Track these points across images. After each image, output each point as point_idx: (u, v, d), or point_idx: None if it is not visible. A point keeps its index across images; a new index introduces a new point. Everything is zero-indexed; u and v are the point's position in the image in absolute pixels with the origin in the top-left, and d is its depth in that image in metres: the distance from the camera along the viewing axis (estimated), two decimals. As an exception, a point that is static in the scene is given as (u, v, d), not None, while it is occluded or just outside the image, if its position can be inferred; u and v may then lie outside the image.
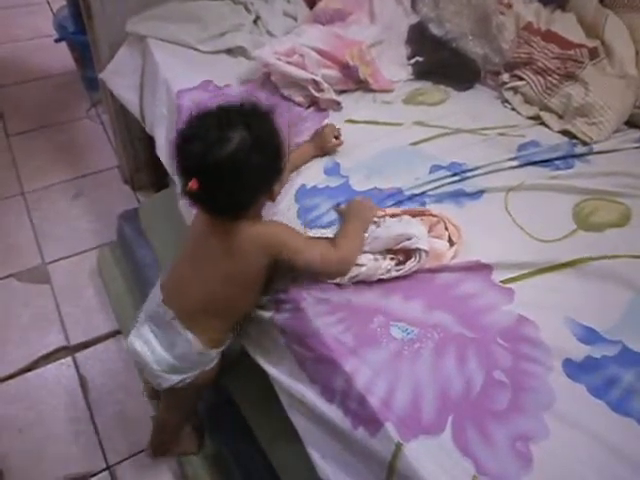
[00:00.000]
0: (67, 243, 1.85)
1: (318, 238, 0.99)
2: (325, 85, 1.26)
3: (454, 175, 1.13)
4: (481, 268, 0.97)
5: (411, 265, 0.94)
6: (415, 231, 0.95)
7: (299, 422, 0.92)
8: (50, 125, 2.32)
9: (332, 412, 0.83)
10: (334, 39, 1.34)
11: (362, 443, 0.78)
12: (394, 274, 0.94)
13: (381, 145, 1.20)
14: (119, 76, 1.50)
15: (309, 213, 1.04)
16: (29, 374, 1.53)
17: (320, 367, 0.87)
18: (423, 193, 1.09)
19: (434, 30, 1.50)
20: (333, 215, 1.04)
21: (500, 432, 0.75)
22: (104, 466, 1.39)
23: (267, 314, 0.98)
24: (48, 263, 1.78)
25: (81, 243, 1.85)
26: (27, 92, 2.48)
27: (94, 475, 1.38)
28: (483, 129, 1.28)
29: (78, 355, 1.57)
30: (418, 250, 0.94)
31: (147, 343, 1.01)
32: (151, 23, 1.44)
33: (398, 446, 0.74)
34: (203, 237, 0.95)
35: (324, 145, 1.15)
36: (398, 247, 0.95)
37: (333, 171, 1.14)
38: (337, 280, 0.93)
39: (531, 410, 0.77)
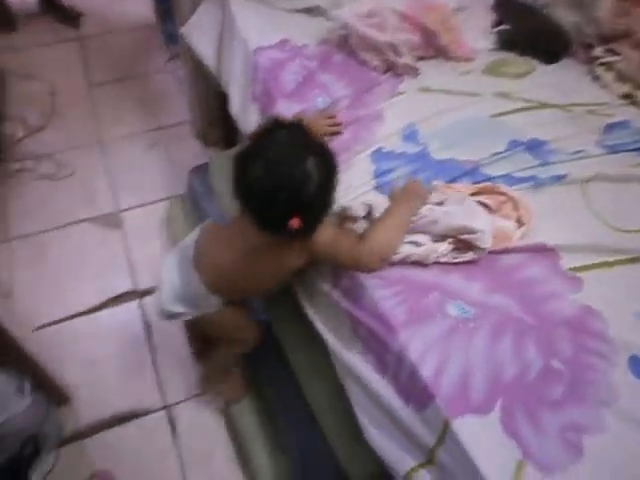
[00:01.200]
0: (140, 192, 1.93)
1: (347, 232, 0.98)
2: (404, 50, 1.23)
3: (532, 153, 1.08)
4: (549, 253, 0.93)
5: (469, 257, 0.92)
6: (479, 225, 0.91)
7: (351, 388, 0.94)
8: (129, 77, 2.39)
9: (383, 387, 0.85)
10: (417, 2, 1.28)
11: (411, 418, 0.79)
12: (451, 260, 0.93)
13: (459, 115, 1.16)
14: (199, 31, 1.52)
15: (385, 175, 1.05)
16: (99, 313, 1.64)
17: (373, 338, 0.88)
18: (499, 172, 1.05)
19: (524, -4, 1.41)
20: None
21: (551, 420, 0.74)
22: (162, 405, 1.48)
23: (327, 285, 0.99)
24: (121, 211, 1.87)
25: (153, 193, 1.92)
26: (109, 43, 2.56)
27: (152, 412, 1.47)
28: (570, 105, 1.21)
29: (144, 300, 1.66)
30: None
31: (170, 271, 1.11)
32: (231, -21, 1.43)
33: (446, 423, 0.74)
34: (252, 230, 0.92)
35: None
36: (459, 238, 0.92)
37: (411, 137, 1.12)
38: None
39: (588, 403, 0.74)
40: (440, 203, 0.97)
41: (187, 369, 1.53)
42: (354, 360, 0.94)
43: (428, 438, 0.77)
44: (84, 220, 1.84)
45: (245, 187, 0.89)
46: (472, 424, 0.74)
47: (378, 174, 1.05)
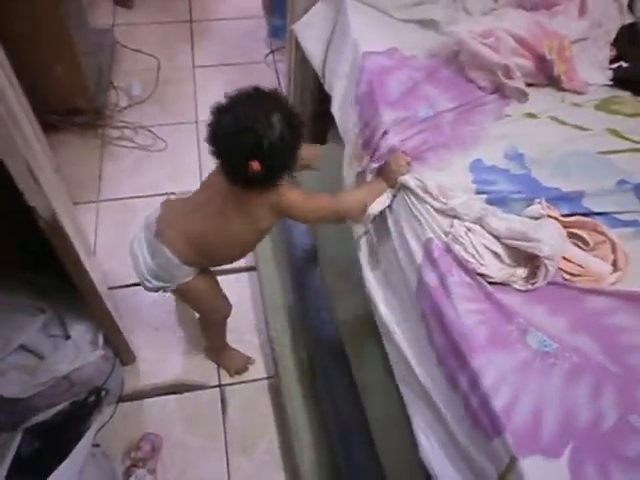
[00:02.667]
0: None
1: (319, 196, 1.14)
2: (517, 73, 1.21)
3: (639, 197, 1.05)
4: (643, 302, 0.90)
5: (541, 280, 0.91)
6: (538, 234, 0.91)
7: (413, 401, 0.94)
8: (230, 64, 2.47)
9: (452, 405, 0.84)
10: (535, 27, 1.26)
11: (476, 445, 0.78)
12: (528, 287, 0.92)
13: (567, 146, 1.14)
14: (310, 29, 1.55)
15: (486, 185, 1.06)
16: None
17: (450, 352, 0.88)
18: (601, 208, 1.03)
19: (649, 35, 1.35)
20: (509, 194, 1.04)
21: (623, 478, 0.71)
22: (216, 383, 1.53)
23: (417, 260, 0.99)
24: (206, 190, 1.94)
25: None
26: (216, 29, 2.65)
27: (207, 388, 1.53)
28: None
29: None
30: (542, 260, 0.90)
31: (140, 246, 1.22)
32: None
33: (512, 460, 0.73)
34: (220, 194, 1.11)
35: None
36: (512, 244, 0.94)
37: (514, 158, 1.12)
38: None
39: (666, 468, 0.71)
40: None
41: (246, 354, 1.58)
42: (424, 373, 0.94)
43: (490, 470, 0.76)
44: (169, 194, 1.92)
45: (214, 132, 1.02)
46: (540, 466, 0.72)
47: (478, 183, 1.07)
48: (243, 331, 1.62)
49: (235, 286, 1.70)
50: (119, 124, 2.13)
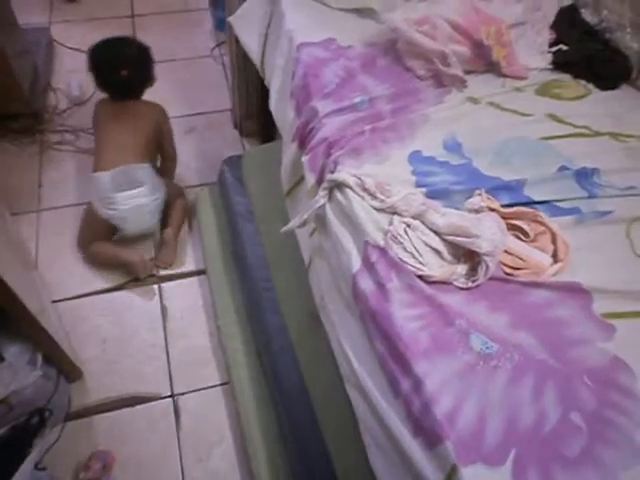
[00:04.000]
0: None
1: None
2: (453, 60, 1.18)
3: (580, 183, 1.03)
4: (583, 294, 0.88)
5: (481, 277, 0.88)
6: (478, 230, 0.89)
7: (359, 405, 0.91)
8: (175, 59, 2.38)
9: (393, 411, 0.81)
10: (472, 13, 1.23)
11: (417, 454, 0.75)
12: (469, 285, 0.89)
13: (508, 133, 1.12)
14: (246, 22, 1.49)
15: (425, 177, 1.03)
16: (121, 292, 1.64)
17: (391, 358, 0.84)
18: (542, 196, 1.01)
19: (587, 17, 1.33)
20: (449, 186, 1.01)
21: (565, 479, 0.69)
22: (169, 393, 1.48)
23: (354, 266, 0.94)
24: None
25: (185, 179, 1.92)
26: (160, 23, 2.56)
27: (159, 399, 1.47)
28: (625, 135, 1.14)
29: (164, 285, 1.66)
30: (482, 257, 0.88)
31: (135, 197, 1.55)
32: (285, -28, 1.40)
33: (454, 468, 0.70)
34: (117, 117, 1.64)
35: None
36: (452, 240, 0.91)
37: (453, 148, 1.09)
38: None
39: (606, 466, 0.69)
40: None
41: (197, 360, 1.53)
42: (366, 374, 0.91)
43: (432, 477, 0.73)
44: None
45: (96, 65, 1.60)
46: (482, 474, 0.69)
47: (417, 174, 1.03)
48: (195, 335, 1.57)
49: (186, 290, 1.65)
50: (59, 128, 2.04)
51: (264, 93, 1.76)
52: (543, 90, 1.25)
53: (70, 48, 2.32)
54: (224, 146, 2.02)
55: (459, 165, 1.07)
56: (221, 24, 2.44)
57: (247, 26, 1.50)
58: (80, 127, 2.04)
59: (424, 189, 1.01)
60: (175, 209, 1.71)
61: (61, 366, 1.38)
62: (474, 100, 1.19)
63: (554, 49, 1.31)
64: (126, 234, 1.67)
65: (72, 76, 2.19)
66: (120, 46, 1.61)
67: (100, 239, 1.66)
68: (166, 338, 1.56)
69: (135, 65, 1.60)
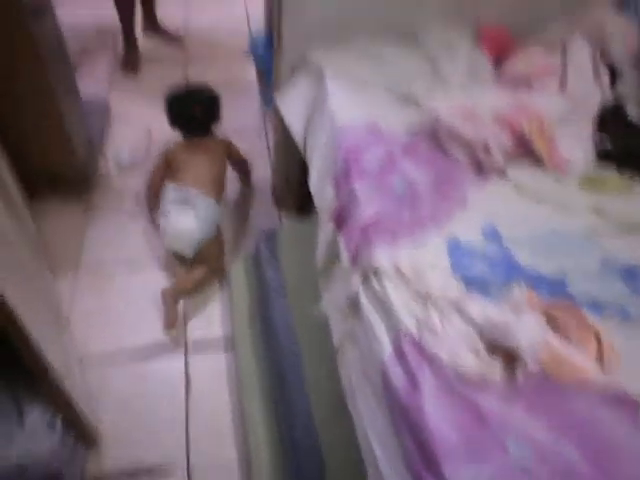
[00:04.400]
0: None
1: None
2: (495, 149, 1.19)
3: (625, 282, 0.99)
4: (629, 403, 0.82)
5: (520, 377, 0.85)
6: (520, 328, 0.85)
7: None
8: (223, 128, 2.48)
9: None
10: (515, 105, 1.25)
11: None
12: (506, 383, 0.85)
13: (549, 224, 1.11)
14: (291, 100, 1.55)
15: (463, 265, 1.01)
16: (148, 356, 1.63)
17: (419, 458, 0.80)
18: (585, 294, 0.97)
19: (631, 112, 1.34)
20: (487, 276, 1.00)
21: None
22: (186, 467, 1.43)
23: (385, 354, 0.92)
24: (189, 259, 1.90)
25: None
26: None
27: (175, 472, 1.42)
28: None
29: (190, 352, 1.64)
30: (521, 356, 0.84)
31: (186, 216, 1.67)
32: (332, 55, 1.47)
33: None
34: (192, 152, 1.84)
35: None
36: (490, 336, 0.88)
37: (492, 237, 1.08)
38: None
39: None
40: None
41: (217, 435, 1.48)
42: (390, 471, 0.86)
43: None
44: (152, 264, 1.88)
45: (178, 112, 1.89)
46: None
47: (454, 265, 1.01)
48: (218, 410, 1.53)
49: (212, 359, 1.63)
50: (106, 191, 2.12)
51: (304, 169, 1.81)
52: (586, 183, 1.23)
53: (124, 116, 2.45)
54: (261, 215, 2.06)
55: (497, 254, 1.05)
56: (267, 99, 2.55)
57: (291, 104, 1.55)
58: (126, 192, 2.11)
59: (461, 278, 0.99)
60: (202, 268, 1.75)
61: (80, 432, 1.35)
62: (514, 189, 1.19)
63: (597, 143, 1.31)
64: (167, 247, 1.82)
65: (123, 143, 2.30)
66: (195, 91, 1.94)
67: None
68: (187, 410, 1.52)
69: (207, 104, 1.90)
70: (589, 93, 1.36)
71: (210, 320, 1.72)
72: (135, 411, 1.52)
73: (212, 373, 1.59)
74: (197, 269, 1.74)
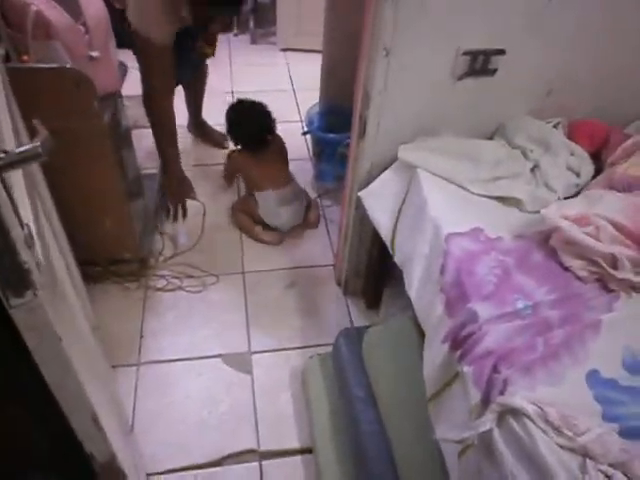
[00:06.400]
0: (273, 335, 1.86)
1: None
2: (625, 263, 1.09)
3: None
4: None
5: None
6: None
7: None
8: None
9: None
10: (636, 213, 1.16)
11: None
12: None
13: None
14: (378, 198, 1.49)
15: (612, 407, 0.90)
16: (217, 469, 1.51)
17: None
18: None
19: None
20: None
21: None
22: None
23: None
24: (253, 352, 1.80)
25: (286, 339, 1.84)
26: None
27: None
28: None
29: (265, 463, 1.52)
30: None
31: (291, 210, 2.20)
32: (423, 154, 1.41)
33: None
34: (262, 159, 2.16)
35: None
36: None
37: (636, 368, 0.97)
38: None
39: None
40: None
41: None
42: None
43: None
44: (217, 356, 1.78)
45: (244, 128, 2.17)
46: None
47: (601, 403, 0.90)
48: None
49: (289, 472, 1.50)
50: (164, 273, 2.05)
51: (377, 259, 1.74)
52: None
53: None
54: (327, 303, 1.97)
55: (648, 393, 0.94)
56: (322, 175, 2.52)
57: (379, 202, 1.49)
58: (184, 274, 2.04)
59: (616, 425, 0.88)
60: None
61: None
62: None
63: None
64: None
65: (179, 223, 2.24)
66: (258, 110, 2.17)
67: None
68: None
69: (269, 122, 2.17)
70: None
71: (283, 427, 1.60)
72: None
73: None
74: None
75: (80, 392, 0.65)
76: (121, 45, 1.80)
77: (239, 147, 2.23)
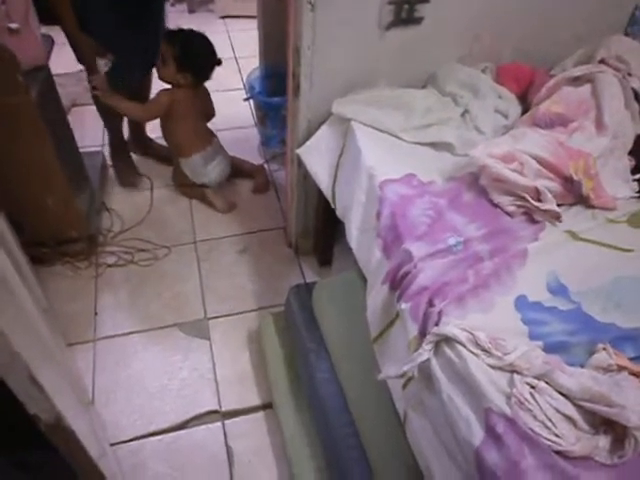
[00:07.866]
0: (229, 300, 1.88)
1: None
2: (548, 195, 1.15)
3: None
4: None
5: (630, 452, 0.79)
6: (621, 400, 0.80)
7: None
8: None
9: None
10: (557, 148, 1.22)
11: None
12: (615, 461, 0.80)
13: (612, 271, 1.06)
14: (316, 153, 1.50)
15: (537, 327, 0.96)
16: (182, 432, 1.54)
17: None
18: None
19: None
20: (566, 337, 0.95)
21: None
22: None
23: (475, 436, 0.85)
24: (209, 318, 1.82)
25: (242, 303, 1.86)
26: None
27: None
28: None
29: (228, 422, 1.55)
30: (630, 430, 0.79)
31: (219, 165, 2.23)
32: (356, 107, 1.43)
33: None
34: (193, 105, 2.07)
35: None
36: (590, 408, 0.82)
37: (559, 291, 1.03)
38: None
39: None
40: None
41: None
42: None
43: None
44: (172, 325, 1.79)
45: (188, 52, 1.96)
46: None
47: (528, 324, 0.97)
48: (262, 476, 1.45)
49: (252, 428, 1.54)
50: (114, 249, 2.03)
51: (323, 215, 1.76)
52: (635, 221, 1.20)
53: (123, 169, 2.36)
54: (279, 265, 1.99)
55: (569, 311, 1.00)
56: (268, 140, 2.51)
57: (317, 157, 1.51)
58: (134, 248, 2.03)
59: (540, 342, 0.94)
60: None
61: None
62: (570, 235, 1.15)
63: (637, 176, 1.29)
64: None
65: (127, 198, 2.22)
66: (206, 39, 2.00)
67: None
68: (232, 483, 1.44)
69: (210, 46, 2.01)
70: (624, 126, 1.33)
71: (243, 387, 1.63)
72: (176, 491, 1.43)
73: (254, 440, 1.51)
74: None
75: (11, 351, 0.65)
76: (47, 21, 1.73)
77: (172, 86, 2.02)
